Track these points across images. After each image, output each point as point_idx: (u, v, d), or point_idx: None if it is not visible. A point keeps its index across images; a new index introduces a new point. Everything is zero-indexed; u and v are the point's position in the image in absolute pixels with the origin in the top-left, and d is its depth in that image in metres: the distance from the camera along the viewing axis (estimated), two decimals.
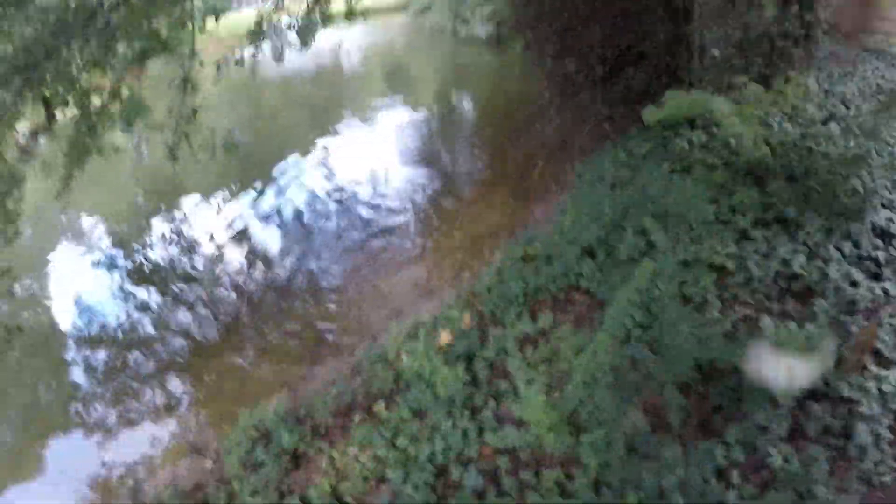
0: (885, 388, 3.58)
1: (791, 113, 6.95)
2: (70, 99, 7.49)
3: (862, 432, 3.34)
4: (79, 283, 9.11)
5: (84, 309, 8.43)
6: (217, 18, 8.97)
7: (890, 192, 5.56)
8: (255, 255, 9.09)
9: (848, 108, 7.46)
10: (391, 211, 9.65)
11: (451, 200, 9.66)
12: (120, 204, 10.81)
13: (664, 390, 3.78)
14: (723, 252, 4.88)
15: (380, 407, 4.60)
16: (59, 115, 7.50)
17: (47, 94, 7.40)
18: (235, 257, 9.10)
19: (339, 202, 10.38)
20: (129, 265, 9.56)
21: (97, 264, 9.67)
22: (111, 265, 9.65)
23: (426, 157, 12.24)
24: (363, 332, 6.67)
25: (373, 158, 12.05)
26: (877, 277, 4.54)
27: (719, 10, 9.12)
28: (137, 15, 6.96)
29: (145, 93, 7.86)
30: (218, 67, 8.84)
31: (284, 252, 9.08)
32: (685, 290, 4.60)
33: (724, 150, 6.18)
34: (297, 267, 8.57)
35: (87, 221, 11.88)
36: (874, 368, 3.72)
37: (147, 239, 10.20)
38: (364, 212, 9.82)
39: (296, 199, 10.81)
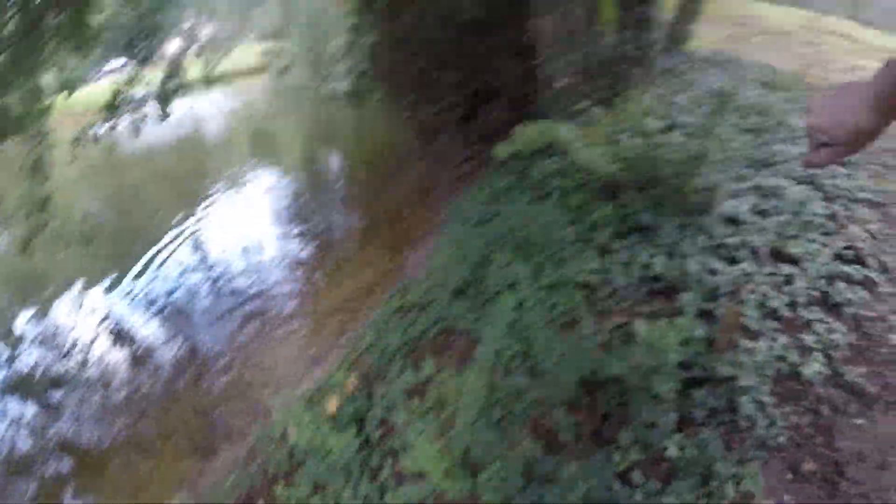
0: (758, 358, 3.83)
1: (636, 128, 7.34)
2: None
3: (746, 404, 3.56)
4: None
5: None
6: (71, 93, 8.68)
7: (734, 184, 5.95)
8: (131, 346, 8.66)
9: (687, 114, 7.98)
10: (268, 280, 9.46)
11: (327, 260, 9.60)
12: None
13: (552, 412, 3.85)
14: (587, 269, 5.07)
15: (279, 488, 4.49)
16: None
17: None
18: (110, 351, 8.62)
19: (214, 278, 10.10)
20: None
21: None
22: None
23: (298, 219, 12.16)
24: (253, 412, 6.49)
25: (244, 227, 11.92)
26: (733, 261, 4.83)
27: (562, 42, 9.60)
28: None
29: None
30: (73, 147, 8.54)
31: (162, 338, 8.71)
32: (555, 313, 4.73)
33: (579, 173, 6.41)
34: (177, 352, 8.23)
35: None
36: (745, 343, 3.96)
37: (9, 343, 9.53)
38: (240, 284, 9.59)
39: (168, 279, 10.41)
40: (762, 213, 5.53)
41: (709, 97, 8.85)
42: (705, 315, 4.31)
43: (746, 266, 4.71)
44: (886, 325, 4.15)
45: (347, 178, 14.60)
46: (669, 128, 7.12)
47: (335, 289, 8.51)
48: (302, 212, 12.73)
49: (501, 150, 6.33)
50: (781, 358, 3.85)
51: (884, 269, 4.76)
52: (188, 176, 19.14)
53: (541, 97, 8.27)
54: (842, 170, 6.69)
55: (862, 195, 6.08)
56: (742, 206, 5.59)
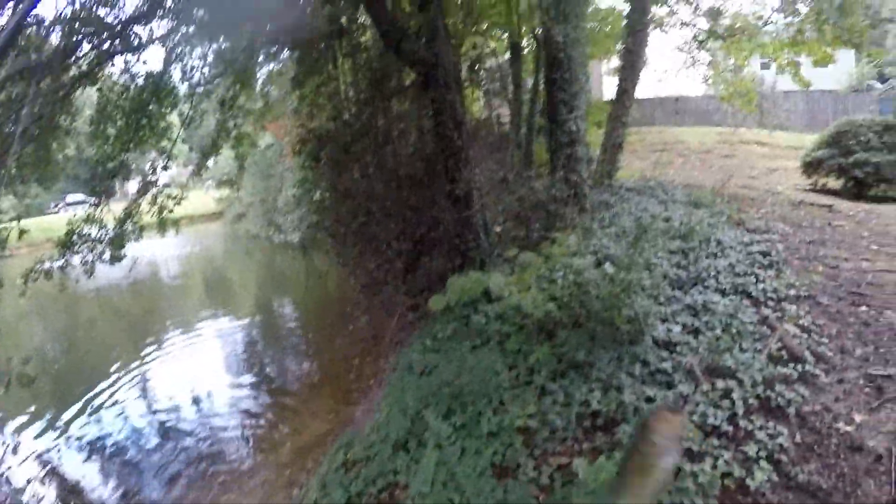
0: (702, 479, 3.90)
1: (567, 267, 7.62)
2: None
3: None
4: None
5: None
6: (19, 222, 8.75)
7: (664, 307, 6.26)
8: (70, 496, 8.23)
9: (615, 246, 8.33)
10: (218, 430, 9.24)
11: (276, 411, 9.48)
12: None
13: None
14: (524, 413, 5.16)
15: None
16: None
17: None
18: (43, 497, 8.19)
19: (162, 425, 9.85)
20: None
21: None
22: None
23: (249, 366, 12.10)
24: None
25: (195, 372, 11.80)
26: (669, 385, 4.99)
27: (497, 190, 10.07)
28: None
29: None
30: (25, 280, 8.51)
31: (102, 488, 8.28)
32: (496, 460, 4.78)
33: (517, 316, 6.64)
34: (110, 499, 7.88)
35: None
36: (687, 466, 4.01)
37: None
38: (189, 434, 9.32)
39: (115, 424, 10.06)
40: (694, 332, 5.78)
41: (635, 226, 9.28)
42: None
43: (683, 388, 4.87)
44: (832, 415, 4.33)
45: (299, 326, 14.63)
46: (599, 262, 7.43)
47: (286, 441, 8.41)
48: (254, 358, 12.71)
49: (435, 302, 6.54)
50: (727, 474, 3.93)
51: (820, 359, 4.99)
52: (140, 316, 19.08)
53: (477, 245, 8.56)
54: (769, 272, 7.05)
55: (790, 292, 6.40)
56: (674, 329, 5.83)
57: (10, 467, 8.73)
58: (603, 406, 4.92)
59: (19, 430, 10.15)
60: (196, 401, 10.54)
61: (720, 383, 4.82)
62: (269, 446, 8.42)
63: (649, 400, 4.83)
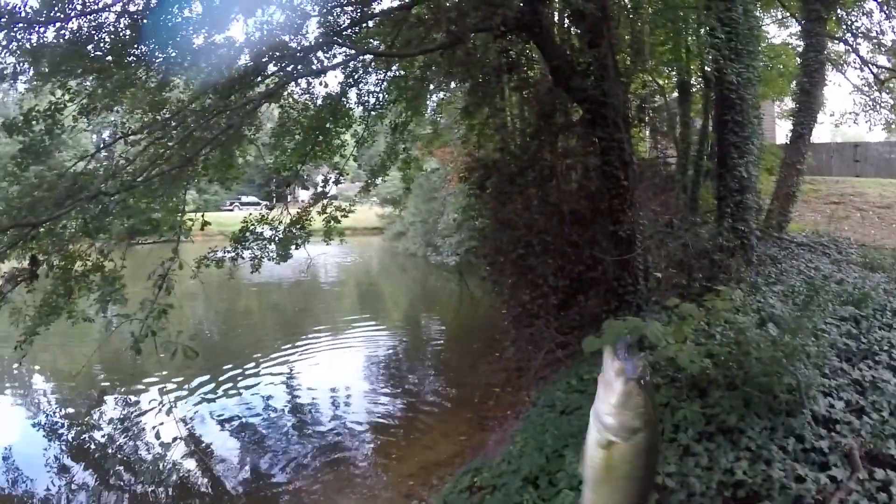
0: None
1: (728, 323, 7.31)
2: (54, 260, 7.96)
3: None
4: (13, 440, 9.23)
5: (12, 469, 8.51)
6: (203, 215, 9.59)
7: (828, 379, 5.79)
8: (202, 457, 8.85)
9: (781, 305, 7.88)
10: (350, 430, 9.58)
11: (409, 424, 9.67)
12: (76, 371, 10.58)
13: None
14: (663, 472, 4.98)
15: None
16: (40, 271, 7.76)
17: (36, 251, 7.77)
18: (182, 455, 8.83)
19: (297, 413, 10.36)
20: (71, 437, 9.57)
21: (38, 426, 9.82)
22: (52, 432, 9.75)
23: (389, 376, 12.50)
24: None
25: (337, 372, 12.36)
26: (823, 467, 4.60)
27: (661, 234, 9.84)
28: (137, 197, 7.48)
29: (126, 273, 7.97)
30: (198, 266, 9.28)
31: (233, 459, 8.89)
32: None
33: (669, 368, 6.43)
34: (244, 478, 8.33)
35: (38, 379, 12.30)
36: None
37: (95, 415, 10.30)
38: (322, 428, 9.77)
39: (255, 405, 10.78)
40: (859, 411, 5.35)
41: (803, 286, 8.76)
42: None
43: (837, 472, 4.50)
44: None
45: (444, 346, 14.88)
46: (762, 322, 7.08)
47: (413, 454, 8.53)
48: (397, 369, 13.10)
49: (589, 344, 6.46)
50: None
51: None
52: (294, 313, 20.30)
53: (635, 289, 8.41)
54: None
55: None
56: (836, 405, 5.42)
57: (162, 423, 9.50)
58: (748, 477, 4.65)
59: (171, 393, 11.17)
60: (333, 399, 11.03)
61: (880, 473, 4.41)
62: (396, 456, 8.59)
63: (799, 479, 4.48)
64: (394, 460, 8.49)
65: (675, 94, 14.54)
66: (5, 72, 7.98)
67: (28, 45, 7.63)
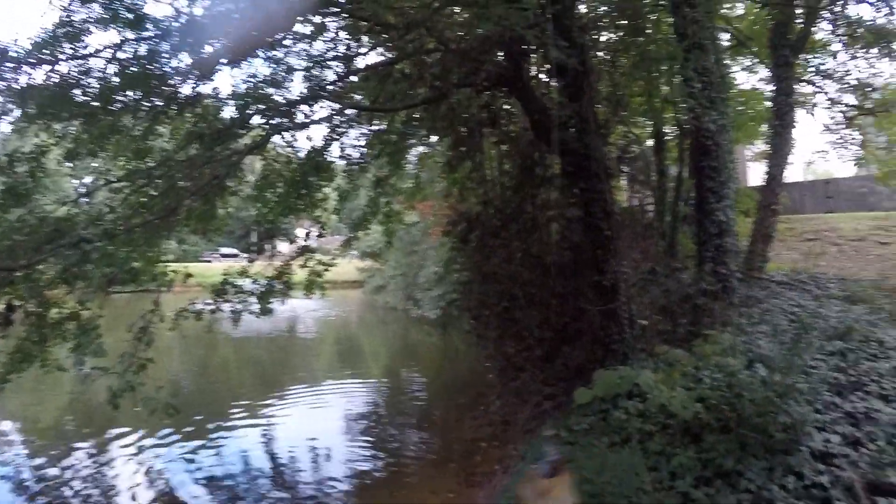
0: None
1: (716, 367, 7.33)
2: (30, 306, 7.78)
3: None
4: None
5: None
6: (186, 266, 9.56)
7: (822, 414, 5.87)
8: None
9: (768, 345, 7.95)
10: (329, 488, 9.30)
11: (393, 481, 9.45)
12: (48, 424, 10.15)
13: None
14: None
15: None
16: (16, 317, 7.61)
17: (12, 296, 7.61)
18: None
19: (276, 470, 10.10)
20: (39, 490, 9.25)
21: (4, 478, 9.59)
22: (17, 484, 9.48)
23: (371, 432, 12.19)
24: None
25: (316, 427, 12.08)
26: (825, 502, 4.67)
27: (643, 281, 9.92)
28: (117, 245, 7.40)
29: (103, 322, 7.83)
30: (177, 317, 9.15)
31: None
32: None
33: (661, 415, 6.44)
34: None
35: (8, 426, 12.02)
36: None
37: (66, 470, 9.96)
38: (300, 486, 9.47)
39: (231, 459, 10.53)
40: (855, 444, 5.38)
41: (788, 324, 8.85)
42: None
43: None
44: None
45: (427, 400, 14.71)
46: (750, 362, 7.13)
47: None
48: (379, 425, 12.79)
49: (581, 395, 6.46)
50: None
51: None
52: (271, 366, 20.03)
53: (622, 338, 8.42)
54: None
55: None
56: (832, 439, 5.46)
57: (138, 484, 9.26)
58: None
59: (147, 449, 10.91)
60: (313, 455, 10.74)
61: (883, 502, 4.45)
62: None
63: None
64: None
65: (651, 143, 14.78)
66: None
67: (16, 86, 7.63)
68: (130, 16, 7.31)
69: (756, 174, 20.51)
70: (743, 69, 19.17)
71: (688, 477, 5.47)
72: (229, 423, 12.32)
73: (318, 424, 12.39)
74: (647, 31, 10.34)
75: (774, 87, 14.34)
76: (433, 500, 8.48)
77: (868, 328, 8.49)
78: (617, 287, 8.51)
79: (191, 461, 10.48)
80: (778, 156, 13.94)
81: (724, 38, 15.01)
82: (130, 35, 7.60)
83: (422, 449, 11.03)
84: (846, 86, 16.62)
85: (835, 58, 16.41)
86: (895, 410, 5.91)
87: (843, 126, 17.96)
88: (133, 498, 8.97)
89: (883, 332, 8.31)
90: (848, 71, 16.27)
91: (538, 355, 9.00)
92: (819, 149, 19.70)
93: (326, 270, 10.92)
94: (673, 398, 6.13)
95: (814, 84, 17.24)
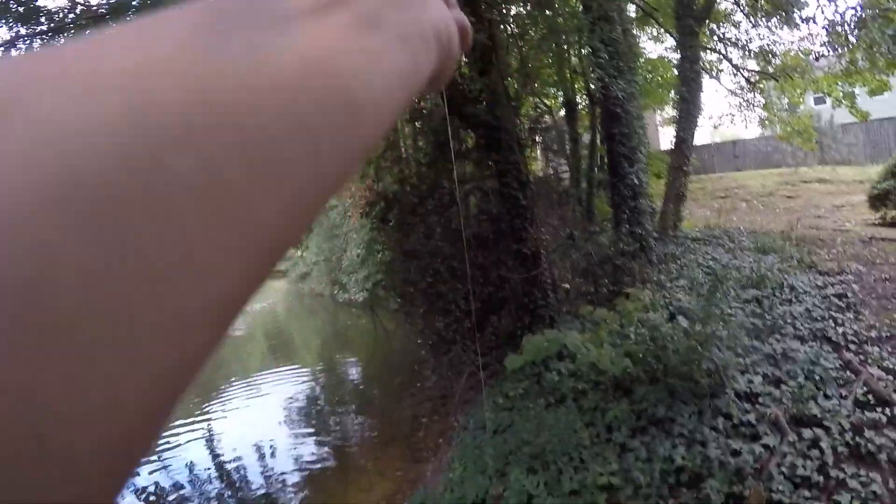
0: None
1: (640, 322, 7.60)
2: None
3: None
4: None
5: None
6: None
7: (743, 358, 6.18)
8: None
9: (687, 297, 8.31)
10: (280, 484, 9.15)
11: (341, 467, 9.42)
12: None
13: None
14: (607, 471, 5.14)
15: None
16: None
17: None
18: None
19: (224, 475, 9.84)
20: None
21: None
22: None
23: (312, 421, 12.09)
24: None
25: (257, 425, 11.86)
26: (755, 438, 4.96)
27: (563, 246, 10.14)
28: None
29: None
30: None
31: None
32: None
33: (591, 373, 6.64)
34: None
35: None
36: None
37: None
38: (251, 486, 9.21)
39: (178, 470, 10.07)
40: (776, 382, 5.73)
41: (704, 277, 9.25)
42: (734, 499, 4.38)
43: (769, 440, 4.84)
44: None
45: (364, 384, 14.64)
46: (672, 315, 7.40)
47: (352, 498, 8.27)
48: (318, 415, 12.69)
49: (512, 362, 6.59)
50: None
51: None
52: (205, 370, 19.19)
53: (546, 303, 8.62)
54: (848, 314, 6.94)
55: (871, 334, 6.29)
56: (755, 380, 5.79)
57: None
58: (687, 461, 4.89)
59: None
60: (259, 453, 10.45)
61: (807, 433, 4.79)
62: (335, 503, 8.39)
63: (735, 453, 4.81)
64: None
65: (562, 113, 15.02)
66: None
67: None
68: (21, 9, 6.97)
69: (666, 138, 21.21)
70: (650, 38, 19.88)
71: (623, 428, 5.68)
72: (169, 435, 11.89)
73: (259, 421, 12.13)
74: (555, 4, 10.49)
75: (680, 56, 14.81)
76: (382, 482, 8.50)
77: (780, 276, 8.93)
78: (537, 254, 8.69)
79: (136, 479, 10.03)
80: (686, 120, 14.37)
81: (631, 10, 15.39)
82: (23, 31, 7.25)
83: (365, 431, 10.97)
84: (749, 53, 17.44)
85: (737, 27, 17.47)
86: (811, 349, 6.27)
87: (747, 90, 18.96)
88: None
89: (794, 279, 8.76)
90: (750, 39, 17.29)
91: (467, 327, 9.09)
92: (725, 112, 20.59)
93: None
94: (601, 356, 6.32)
95: (718, 52, 18.20)
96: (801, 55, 16.82)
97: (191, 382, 0.27)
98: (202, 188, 0.22)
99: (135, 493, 9.37)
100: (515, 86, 10.74)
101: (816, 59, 16.19)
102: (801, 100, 18.86)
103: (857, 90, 16.11)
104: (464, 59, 9.59)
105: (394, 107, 0.34)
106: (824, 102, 20.19)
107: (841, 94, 16.33)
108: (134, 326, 0.20)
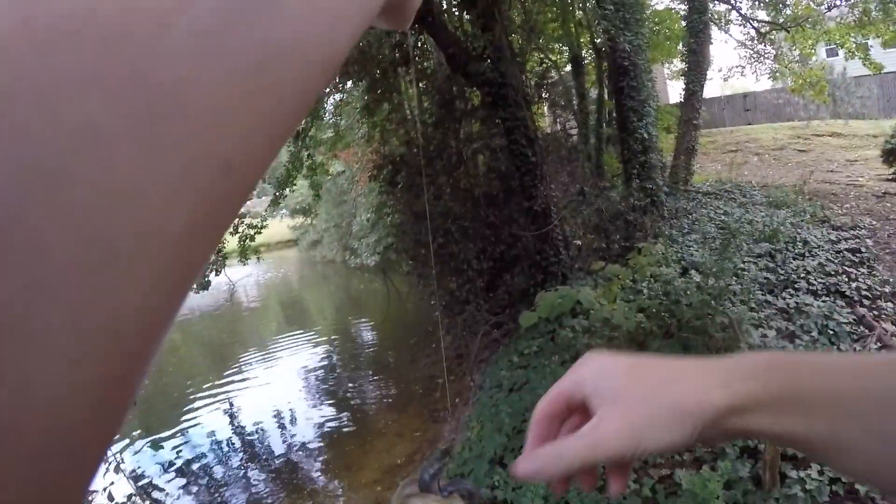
0: (809, 486, 3.79)
1: (653, 277, 7.57)
2: None
3: None
4: None
5: None
6: None
7: (756, 312, 6.13)
8: None
9: (700, 252, 8.27)
10: (301, 449, 9.29)
11: (360, 430, 9.51)
12: None
13: None
14: None
15: None
16: None
17: None
18: None
19: (246, 444, 9.99)
20: None
21: None
22: None
23: (330, 387, 12.20)
24: None
25: (276, 393, 11.94)
26: None
27: (574, 203, 10.08)
28: None
29: None
30: None
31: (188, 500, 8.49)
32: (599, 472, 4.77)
33: (605, 328, 6.61)
34: None
35: None
36: (793, 473, 3.91)
37: None
38: (273, 453, 9.41)
39: (201, 445, 10.20)
40: (790, 336, 5.69)
41: (717, 231, 9.19)
42: (748, 453, 4.35)
43: None
44: None
45: (379, 348, 14.71)
46: (684, 270, 7.36)
47: (373, 459, 8.42)
48: (337, 381, 12.76)
49: (526, 319, 6.59)
50: (835, 479, 3.82)
51: None
52: (220, 343, 19.58)
53: (558, 260, 8.59)
54: (861, 269, 6.89)
55: (885, 289, 6.26)
56: (769, 334, 5.75)
57: (112, 483, 9.01)
58: None
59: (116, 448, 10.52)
60: (279, 421, 10.60)
61: None
62: (357, 465, 8.42)
63: None
64: (355, 470, 8.27)
65: (569, 68, 14.83)
66: None
67: None
68: None
69: (676, 92, 20.93)
70: None
71: None
72: (190, 407, 12.02)
73: (276, 390, 12.23)
74: None
75: (688, 6, 14.52)
76: (401, 443, 8.58)
77: (793, 230, 8.86)
78: (548, 211, 8.63)
79: (162, 453, 10.08)
80: (695, 72, 14.17)
81: None
82: None
83: (382, 394, 11.06)
84: (758, 2, 17.04)
85: None
86: (824, 304, 6.22)
87: (757, 41, 18.55)
88: (110, 498, 8.78)
89: (807, 233, 8.69)
90: None
91: (480, 286, 9.10)
92: (735, 64, 20.27)
93: (258, 233, 10.72)
94: (615, 311, 6.30)
95: (727, 2, 17.75)
96: (813, 4, 16.41)
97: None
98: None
99: (165, 468, 9.52)
100: (520, 41, 10.58)
101: (829, 8, 15.87)
102: (813, 51, 18.41)
103: (870, 42, 15.72)
104: (465, 15, 9.47)
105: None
106: (837, 55, 19.90)
107: (854, 45, 15.88)
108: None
